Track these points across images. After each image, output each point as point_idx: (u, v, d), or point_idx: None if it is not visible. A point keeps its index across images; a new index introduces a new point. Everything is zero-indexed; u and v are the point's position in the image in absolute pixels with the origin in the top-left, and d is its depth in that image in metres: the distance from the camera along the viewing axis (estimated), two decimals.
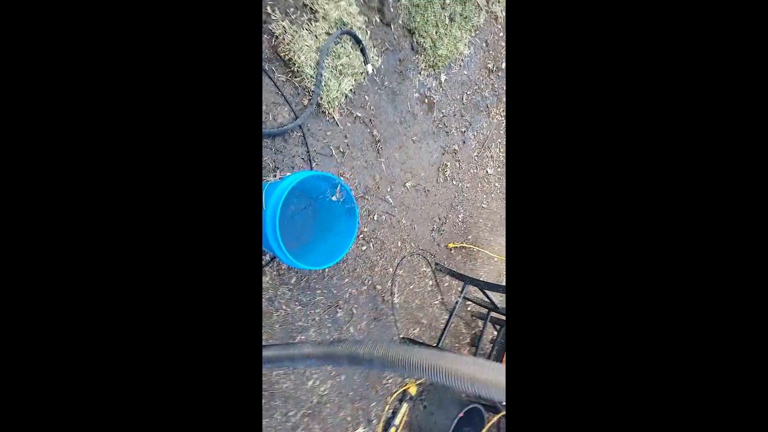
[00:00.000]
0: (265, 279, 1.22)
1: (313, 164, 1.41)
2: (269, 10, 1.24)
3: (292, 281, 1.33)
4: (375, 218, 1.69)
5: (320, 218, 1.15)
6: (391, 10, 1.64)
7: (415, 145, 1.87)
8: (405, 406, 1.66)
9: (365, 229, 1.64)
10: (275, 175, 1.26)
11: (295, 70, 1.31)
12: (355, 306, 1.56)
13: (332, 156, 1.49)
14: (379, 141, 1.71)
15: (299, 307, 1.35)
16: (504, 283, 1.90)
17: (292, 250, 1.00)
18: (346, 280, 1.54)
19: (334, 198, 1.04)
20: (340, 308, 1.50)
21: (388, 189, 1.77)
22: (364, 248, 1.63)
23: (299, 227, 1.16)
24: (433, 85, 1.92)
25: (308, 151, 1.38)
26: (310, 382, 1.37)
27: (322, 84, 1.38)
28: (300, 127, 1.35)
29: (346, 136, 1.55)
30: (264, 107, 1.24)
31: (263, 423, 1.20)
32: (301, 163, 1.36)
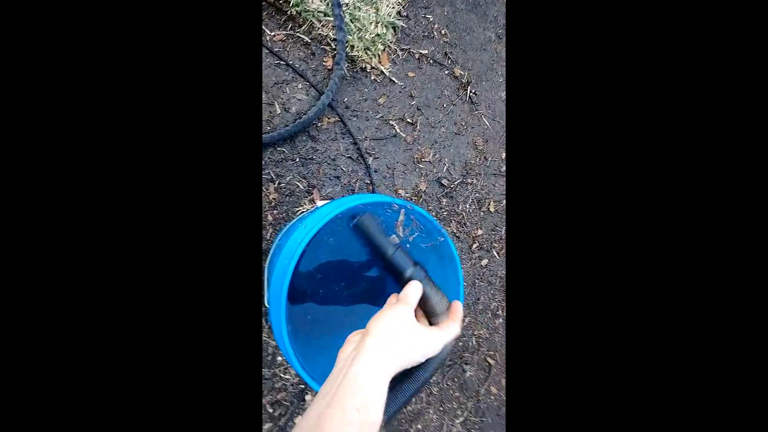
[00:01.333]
0: None
1: (370, 160, 0.87)
2: None
3: None
4: (491, 209, 1.05)
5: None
6: None
7: None
8: None
9: (479, 232, 1.03)
10: (313, 200, 0.78)
11: (296, 12, 0.77)
12: (491, 354, 1.00)
13: (396, 135, 0.92)
14: (468, 83, 1.03)
15: None
16: None
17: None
18: (467, 319, 0.99)
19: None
20: (467, 363, 0.97)
21: (503, 154, 1.09)
22: (483, 262, 1.03)
23: (356, 294, 0.65)
24: None
25: (356, 143, 0.84)
26: None
27: (346, 21, 0.80)
28: (330, 106, 0.82)
29: (411, 95, 0.94)
30: (264, 96, 0.76)
31: None
32: (350, 166, 0.85)
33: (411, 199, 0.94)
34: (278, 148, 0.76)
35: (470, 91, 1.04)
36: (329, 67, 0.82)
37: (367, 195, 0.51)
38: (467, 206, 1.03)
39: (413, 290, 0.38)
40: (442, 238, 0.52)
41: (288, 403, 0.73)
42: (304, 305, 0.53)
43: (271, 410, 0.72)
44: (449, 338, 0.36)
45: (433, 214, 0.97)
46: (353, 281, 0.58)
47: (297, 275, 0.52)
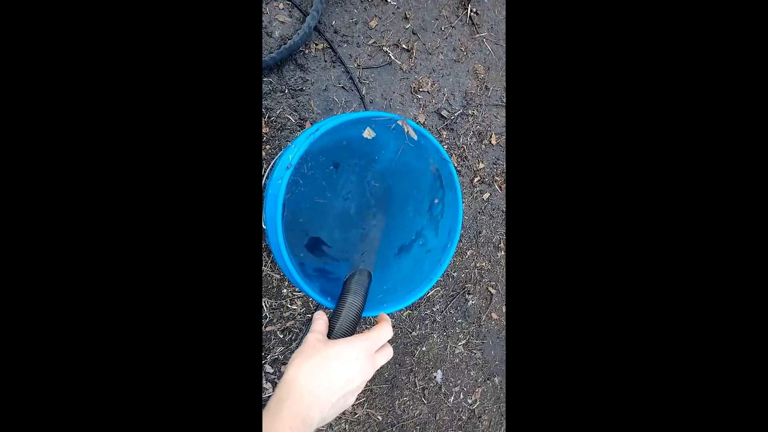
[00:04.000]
0: None
1: (363, 90, 0.82)
2: None
3: None
4: (493, 141, 1.02)
5: (396, 196, 0.61)
6: None
7: None
8: None
9: (481, 166, 1.00)
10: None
11: None
12: (492, 284, 1.03)
13: (391, 63, 0.86)
14: (470, 0, 0.94)
15: (409, 311, 0.92)
16: None
17: (340, 267, 0.52)
18: (469, 253, 1.00)
19: (406, 132, 0.47)
20: (469, 294, 1.00)
21: (505, 83, 1.03)
22: (485, 196, 1.02)
23: (353, 222, 0.64)
24: None
25: (347, 70, 0.79)
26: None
27: None
28: (317, 30, 0.76)
29: (405, 16, 0.87)
30: None
31: None
32: (343, 96, 0.80)
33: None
34: (265, 78, 0.72)
35: (471, 10, 0.95)
36: None
37: (354, 114, 0.49)
38: (468, 139, 0.99)
39: (317, 319, 0.37)
40: (436, 153, 0.50)
41: (297, 330, 0.78)
42: (297, 220, 0.54)
43: (281, 336, 0.76)
44: (378, 342, 0.34)
45: None
46: (342, 195, 0.57)
47: (289, 191, 0.51)
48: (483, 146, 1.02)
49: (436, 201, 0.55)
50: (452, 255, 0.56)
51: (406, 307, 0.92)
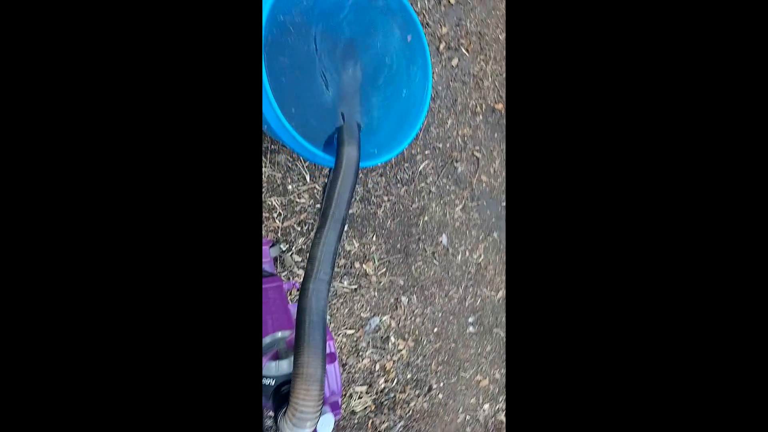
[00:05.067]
0: None
1: None
2: None
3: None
4: (451, 1, 0.98)
5: (369, 55, 0.61)
6: None
7: None
8: None
9: (444, 31, 0.98)
10: None
11: None
12: (477, 148, 1.09)
13: None
14: None
15: (403, 189, 0.99)
16: None
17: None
18: (449, 122, 1.04)
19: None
20: (457, 161, 1.06)
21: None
22: (454, 62, 1.02)
23: (333, 81, 0.64)
24: None
25: None
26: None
27: None
28: None
29: None
30: None
31: None
32: None
33: None
34: None
35: None
36: None
37: None
38: (426, 2, 0.95)
39: None
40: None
41: (312, 221, 0.85)
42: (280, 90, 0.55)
43: (299, 228, 0.83)
44: None
45: None
46: (317, 59, 0.58)
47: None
48: (442, 8, 0.98)
49: (409, 38, 0.56)
50: (428, 103, 0.59)
51: (402, 183, 0.99)
